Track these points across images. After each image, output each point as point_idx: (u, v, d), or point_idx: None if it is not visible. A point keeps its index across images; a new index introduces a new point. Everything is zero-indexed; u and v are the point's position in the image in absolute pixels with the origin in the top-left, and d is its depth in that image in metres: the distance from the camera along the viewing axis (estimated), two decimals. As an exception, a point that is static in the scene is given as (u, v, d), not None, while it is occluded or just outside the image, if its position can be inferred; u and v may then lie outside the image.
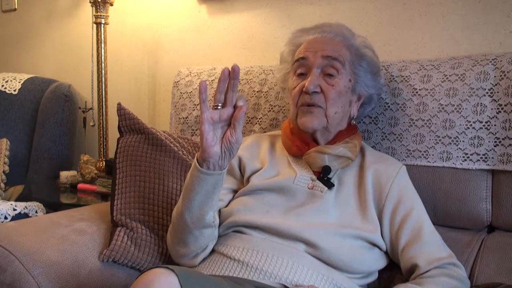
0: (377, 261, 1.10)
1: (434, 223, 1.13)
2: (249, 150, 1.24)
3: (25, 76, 2.33)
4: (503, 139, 1.16)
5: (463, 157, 1.20)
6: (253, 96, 1.51)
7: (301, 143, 1.17)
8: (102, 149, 2.00)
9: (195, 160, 0.99)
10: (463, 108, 1.20)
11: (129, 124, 1.33)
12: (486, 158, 1.18)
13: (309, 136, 1.18)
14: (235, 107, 0.95)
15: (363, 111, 1.27)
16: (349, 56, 1.17)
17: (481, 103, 1.18)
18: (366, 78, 1.20)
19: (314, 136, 1.17)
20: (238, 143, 0.96)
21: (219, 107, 0.94)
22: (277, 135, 1.28)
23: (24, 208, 1.68)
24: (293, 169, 1.17)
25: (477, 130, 1.19)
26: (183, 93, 1.65)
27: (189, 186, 1.01)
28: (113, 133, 1.92)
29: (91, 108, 2.10)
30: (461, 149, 1.20)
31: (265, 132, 1.46)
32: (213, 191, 1.01)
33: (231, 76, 0.92)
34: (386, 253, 1.12)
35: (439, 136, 1.22)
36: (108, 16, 1.96)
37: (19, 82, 2.29)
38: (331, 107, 1.13)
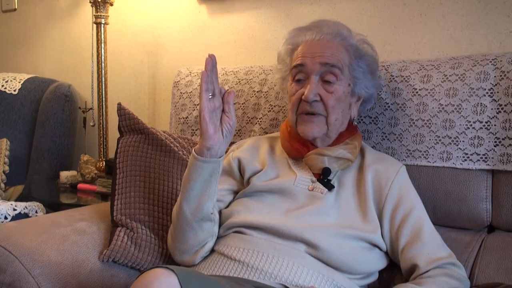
0: (378, 262, 1.10)
1: (434, 223, 1.13)
2: (248, 152, 1.24)
3: (25, 76, 2.33)
4: (503, 139, 1.16)
5: (463, 157, 1.20)
6: (253, 96, 1.51)
7: (300, 146, 1.17)
8: (102, 149, 2.00)
9: (193, 152, 1.02)
10: (463, 108, 1.20)
11: (129, 124, 1.33)
12: (486, 158, 1.18)
13: (309, 140, 1.18)
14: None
15: (363, 109, 1.26)
16: (348, 59, 1.15)
17: (481, 103, 1.18)
18: (366, 79, 1.18)
19: (314, 142, 1.17)
20: (235, 124, 1.03)
21: (210, 96, 0.98)
22: (276, 137, 1.28)
23: (24, 208, 1.68)
24: (293, 171, 1.17)
25: (477, 130, 1.19)
26: (183, 93, 1.65)
27: (187, 176, 1.03)
28: (113, 133, 1.92)
29: (91, 108, 2.10)
30: (461, 149, 1.20)
31: (265, 132, 1.46)
32: (211, 180, 1.03)
33: (214, 64, 0.97)
34: (386, 253, 1.12)
35: (439, 136, 1.22)
36: (108, 16, 1.96)
37: (19, 82, 2.29)
38: (331, 114, 1.12)
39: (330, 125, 1.13)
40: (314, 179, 1.14)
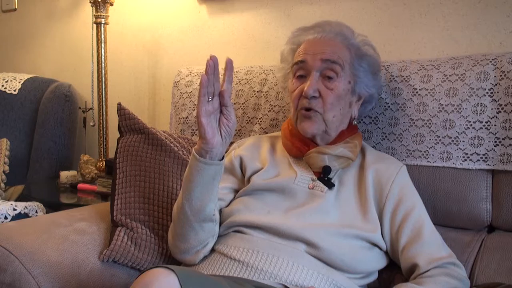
0: (378, 261, 1.10)
1: (434, 223, 1.13)
2: (250, 150, 1.24)
3: (25, 76, 2.33)
4: (503, 139, 1.16)
5: (463, 157, 1.20)
6: (253, 96, 1.51)
7: (300, 144, 1.18)
8: (102, 149, 2.00)
9: (193, 152, 1.00)
10: (463, 108, 1.20)
11: (129, 124, 1.33)
12: (486, 158, 1.18)
13: (309, 138, 1.18)
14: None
15: (364, 110, 1.26)
16: (349, 57, 1.16)
17: (481, 103, 1.18)
18: (366, 79, 1.19)
19: (314, 140, 1.18)
20: (235, 125, 1.01)
21: (209, 100, 0.96)
22: (277, 136, 1.28)
23: (24, 208, 1.68)
24: (293, 170, 1.17)
25: (477, 130, 1.19)
26: (183, 93, 1.65)
27: (188, 177, 1.02)
28: (113, 133, 1.92)
29: (91, 108, 2.10)
30: (461, 149, 1.20)
31: (265, 132, 1.46)
32: (213, 183, 1.02)
33: (215, 66, 0.94)
34: (386, 253, 1.12)
35: (439, 136, 1.22)
36: (108, 16, 1.96)
37: (19, 82, 2.28)
38: (329, 111, 1.13)
39: (328, 122, 1.14)
40: (314, 177, 1.14)
